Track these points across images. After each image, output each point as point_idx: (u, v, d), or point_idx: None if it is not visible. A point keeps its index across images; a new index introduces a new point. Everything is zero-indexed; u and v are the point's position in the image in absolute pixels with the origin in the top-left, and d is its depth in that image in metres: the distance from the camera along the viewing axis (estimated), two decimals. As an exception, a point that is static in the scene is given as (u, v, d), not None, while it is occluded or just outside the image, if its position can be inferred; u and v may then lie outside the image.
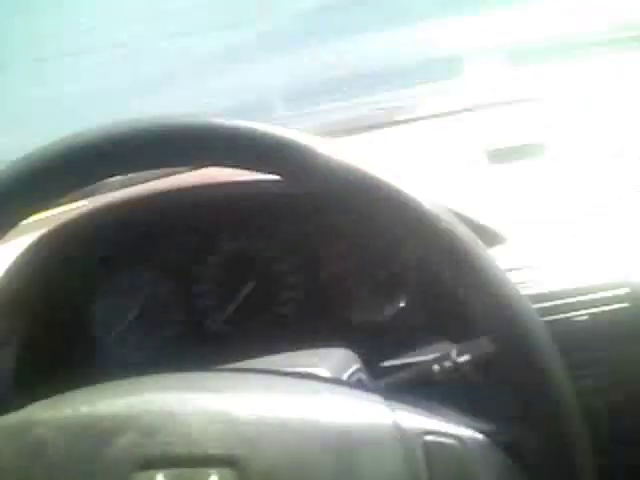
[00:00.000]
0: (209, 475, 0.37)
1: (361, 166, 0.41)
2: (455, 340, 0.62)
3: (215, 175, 0.70)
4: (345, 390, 0.44)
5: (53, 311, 0.70)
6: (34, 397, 0.43)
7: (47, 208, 0.48)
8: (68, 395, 0.43)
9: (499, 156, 0.79)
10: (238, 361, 0.55)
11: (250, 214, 0.74)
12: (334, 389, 0.43)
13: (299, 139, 0.41)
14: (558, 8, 1.21)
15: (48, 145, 0.41)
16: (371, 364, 0.65)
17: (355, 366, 0.60)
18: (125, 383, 0.44)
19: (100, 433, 0.39)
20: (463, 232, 0.40)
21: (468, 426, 0.41)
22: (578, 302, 0.58)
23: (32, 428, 0.40)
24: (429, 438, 0.40)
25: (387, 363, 0.66)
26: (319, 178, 0.41)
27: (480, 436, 0.41)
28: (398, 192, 0.40)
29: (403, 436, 0.40)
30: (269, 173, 0.42)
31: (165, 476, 0.37)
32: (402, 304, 0.75)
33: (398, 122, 0.91)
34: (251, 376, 0.45)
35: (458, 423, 0.42)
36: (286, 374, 0.46)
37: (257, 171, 0.43)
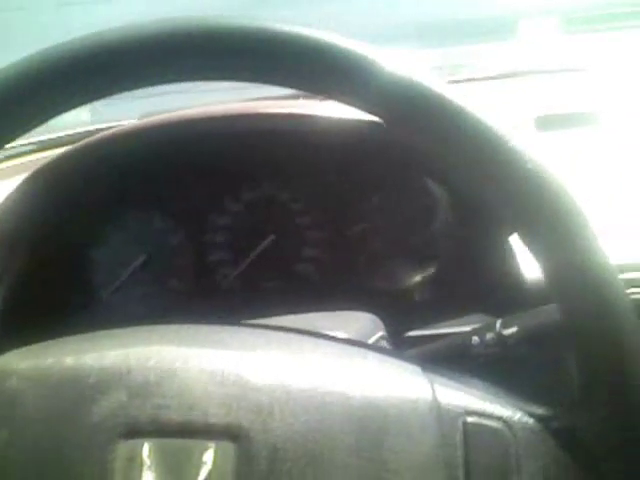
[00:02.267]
0: (205, 449, 0.31)
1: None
2: (492, 315, 0.56)
3: (248, 108, 0.63)
4: (381, 357, 0.37)
5: (49, 252, 0.63)
6: (18, 344, 0.37)
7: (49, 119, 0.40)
8: (53, 343, 0.37)
9: (547, 123, 0.75)
10: (249, 320, 0.48)
11: (276, 158, 0.67)
12: (368, 355, 0.36)
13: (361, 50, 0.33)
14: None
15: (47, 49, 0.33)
16: (395, 334, 0.59)
17: (379, 333, 0.54)
18: (120, 333, 0.37)
19: (82, 390, 0.32)
20: (556, 181, 0.32)
21: (516, 408, 0.35)
22: None
23: (6, 378, 0.34)
24: (470, 419, 0.33)
25: (413, 333, 0.60)
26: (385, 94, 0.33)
27: (530, 420, 0.34)
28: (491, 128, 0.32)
29: (441, 415, 0.33)
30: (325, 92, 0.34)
31: (152, 447, 0.31)
32: (432, 272, 0.69)
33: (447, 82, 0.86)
34: (268, 333, 0.38)
35: (505, 404, 0.35)
36: (313, 335, 0.38)
37: (307, 88, 0.35)
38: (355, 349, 0.37)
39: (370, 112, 0.34)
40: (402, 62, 0.33)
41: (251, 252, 0.68)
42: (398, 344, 0.58)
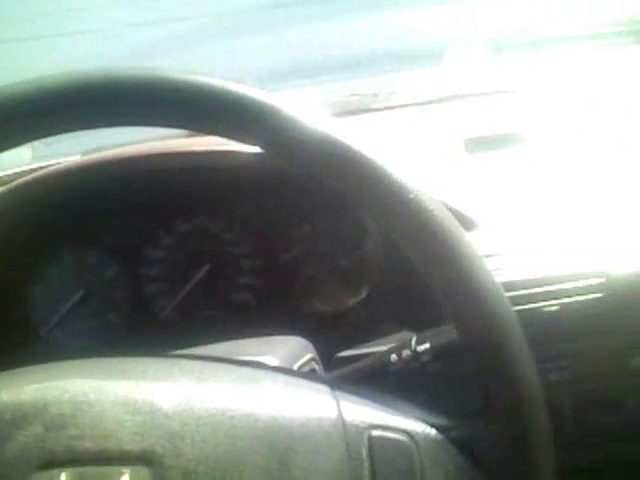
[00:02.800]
0: (121, 474, 0.32)
1: (341, 136, 0.36)
2: (418, 331, 0.59)
3: (175, 146, 0.65)
4: (289, 379, 0.39)
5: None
6: None
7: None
8: None
9: (477, 145, 0.77)
10: (187, 349, 0.50)
11: (207, 191, 0.69)
12: (276, 378, 0.38)
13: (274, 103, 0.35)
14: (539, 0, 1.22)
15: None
16: (331, 355, 0.61)
17: (308, 355, 0.56)
18: (39, 369, 0.38)
19: (0, 427, 0.33)
20: (436, 207, 0.35)
21: (419, 420, 0.37)
22: (549, 291, 0.54)
23: None
24: (375, 433, 0.36)
25: (344, 353, 0.62)
26: (299, 145, 0.35)
27: (432, 431, 0.37)
28: (373, 163, 0.35)
29: (346, 430, 0.35)
30: (234, 136, 0.37)
31: (70, 475, 0.32)
32: (365, 293, 0.71)
33: (375, 109, 0.89)
34: (184, 363, 0.40)
35: (408, 417, 0.37)
36: (225, 361, 0.40)
37: (222, 133, 0.37)
38: (265, 373, 0.39)
39: (263, 150, 0.37)
40: (289, 102, 0.35)
41: (187, 283, 0.70)
42: (329, 365, 0.59)
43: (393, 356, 0.50)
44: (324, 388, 0.38)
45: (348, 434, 0.35)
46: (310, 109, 0.36)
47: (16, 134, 0.36)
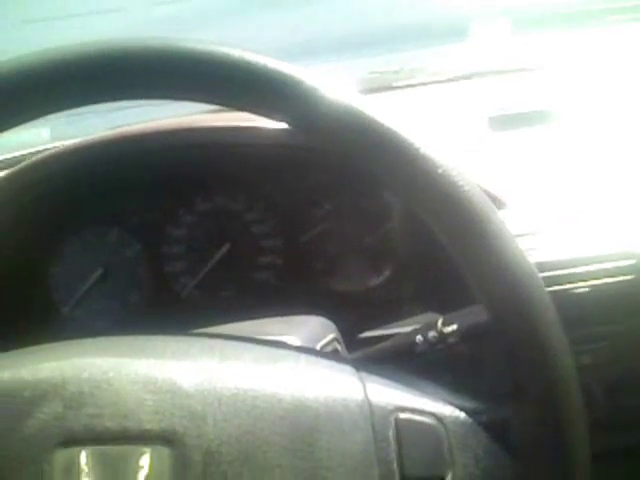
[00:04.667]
0: (142, 454, 0.32)
1: (370, 111, 0.34)
2: (443, 312, 0.58)
3: (197, 121, 0.64)
4: (313, 359, 0.38)
5: (8, 265, 0.64)
6: None
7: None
8: None
9: (502, 123, 0.75)
10: (207, 328, 0.49)
11: (229, 169, 0.68)
12: (300, 358, 0.38)
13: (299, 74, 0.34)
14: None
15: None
16: (353, 335, 0.60)
17: (331, 335, 0.55)
18: (58, 346, 0.38)
19: (20, 403, 0.33)
20: (467, 183, 0.34)
21: (448, 403, 0.36)
22: (580, 273, 0.52)
23: None
24: (402, 415, 0.35)
25: (366, 334, 0.61)
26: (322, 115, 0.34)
27: (461, 414, 0.36)
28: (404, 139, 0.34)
29: (373, 412, 0.34)
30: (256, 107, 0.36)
31: (89, 455, 0.32)
32: (387, 273, 0.70)
33: (396, 87, 0.87)
34: (205, 341, 0.39)
35: (436, 399, 0.36)
36: (246, 341, 0.40)
37: (242, 106, 0.36)
38: (288, 352, 0.38)
39: (288, 124, 0.36)
40: (315, 76, 0.34)
41: (208, 262, 0.69)
42: (352, 346, 0.59)
43: (418, 337, 0.49)
44: (349, 369, 0.37)
45: (374, 416, 0.34)
46: (337, 83, 0.35)
47: (49, 102, 0.35)
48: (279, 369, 0.36)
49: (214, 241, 0.70)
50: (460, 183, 0.34)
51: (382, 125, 0.34)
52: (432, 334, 0.48)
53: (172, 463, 0.32)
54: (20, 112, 0.35)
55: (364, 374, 0.36)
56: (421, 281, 0.69)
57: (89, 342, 0.38)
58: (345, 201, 0.70)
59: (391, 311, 0.66)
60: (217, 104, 0.38)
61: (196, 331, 0.42)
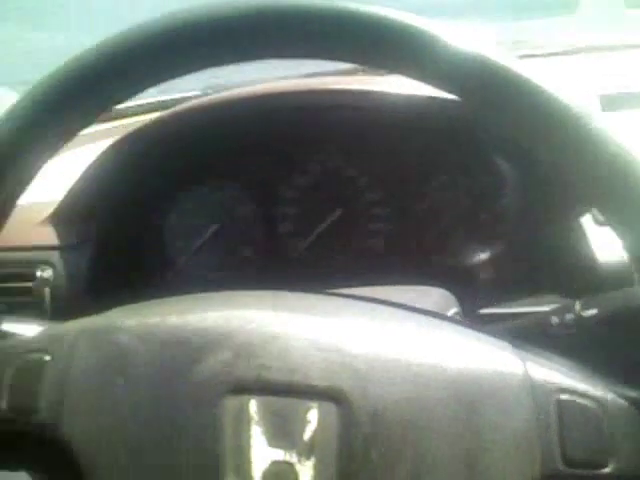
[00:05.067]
0: (309, 408, 0.32)
1: (514, 66, 0.33)
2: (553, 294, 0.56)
3: (325, 83, 0.64)
4: (469, 332, 0.37)
5: (128, 220, 0.65)
6: (110, 304, 0.38)
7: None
8: (154, 303, 0.38)
9: (613, 102, 0.72)
10: (320, 290, 0.49)
11: (344, 133, 0.68)
12: (457, 329, 0.37)
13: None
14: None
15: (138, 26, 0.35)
16: (466, 311, 0.59)
17: (454, 309, 0.55)
18: (217, 296, 0.38)
19: (189, 349, 0.34)
20: (636, 159, 0.33)
21: (608, 388, 0.35)
22: None
23: (117, 334, 0.35)
24: (564, 397, 0.34)
25: (487, 310, 0.60)
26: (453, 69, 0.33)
27: (624, 402, 0.35)
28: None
29: (534, 391, 0.34)
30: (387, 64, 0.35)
31: (259, 403, 0.32)
32: (499, 251, 0.69)
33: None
34: (357, 303, 0.39)
35: (597, 384, 0.35)
36: (400, 307, 0.39)
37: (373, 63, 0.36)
38: (447, 323, 0.38)
39: (444, 89, 0.35)
40: (475, 38, 0.33)
41: (319, 225, 0.69)
42: (471, 321, 0.58)
43: (554, 318, 0.48)
44: (506, 345, 0.36)
45: (536, 395, 0.34)
46: (476, 38, 0.34)
47: (212, 56, 0.35)
48: (440, 338, 0.35)
49: (327, 205, 0.70)
50: (630, 158, 0.32)
51: (528, 80, 0.33)
52: (569, 317, 0.47)
53: (339, 421, 0.32)
54: (187, 63, 0.36)
55: (522, 352, 0.36)
56: (532, 262, 0.67)
57: (249, 294, 0.38)
58: (460, 174, 0.69)
59: (501, 290, 0.65)
60: (368, 65, 0.37)
61: (348, 292, 0.42)
